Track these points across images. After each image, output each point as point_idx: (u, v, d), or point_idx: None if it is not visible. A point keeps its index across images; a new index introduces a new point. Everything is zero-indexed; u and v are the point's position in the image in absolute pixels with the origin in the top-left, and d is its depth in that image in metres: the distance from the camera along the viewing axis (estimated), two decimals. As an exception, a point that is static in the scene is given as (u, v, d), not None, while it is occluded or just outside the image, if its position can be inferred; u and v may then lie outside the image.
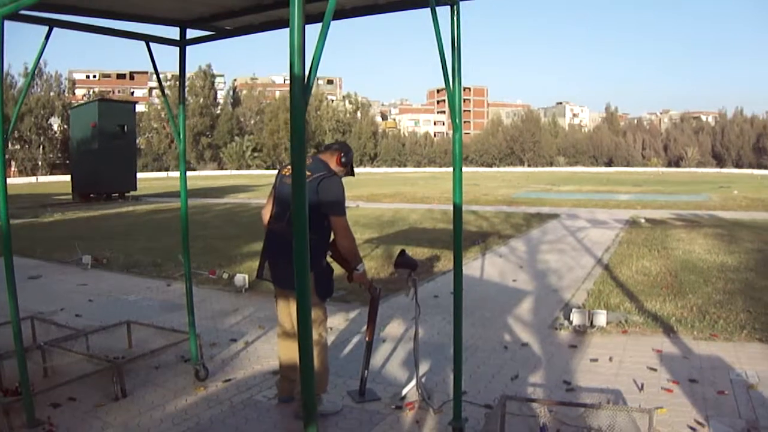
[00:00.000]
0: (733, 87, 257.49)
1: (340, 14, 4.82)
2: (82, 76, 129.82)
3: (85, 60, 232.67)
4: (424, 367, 6.27)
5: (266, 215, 5.41)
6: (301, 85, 2.57)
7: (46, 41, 4.71)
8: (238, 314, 8.70)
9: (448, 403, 5.24)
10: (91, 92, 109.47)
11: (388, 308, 8.75)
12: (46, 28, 4.77)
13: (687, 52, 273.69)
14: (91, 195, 33.92)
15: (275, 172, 5.64)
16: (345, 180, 5.26)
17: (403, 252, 5.77)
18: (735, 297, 9.27)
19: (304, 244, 2.69)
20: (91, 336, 6.66)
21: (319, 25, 2.76)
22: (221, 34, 5.86)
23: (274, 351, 6.56)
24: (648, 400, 5.49)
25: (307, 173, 4.90)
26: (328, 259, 5.28)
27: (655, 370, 6.30)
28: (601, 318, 7.79)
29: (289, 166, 5.24)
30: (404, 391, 5.71)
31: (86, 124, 33.93)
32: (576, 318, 7.79)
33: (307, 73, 2.60)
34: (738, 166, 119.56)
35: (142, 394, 5.70)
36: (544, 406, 5.01)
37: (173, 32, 5.85)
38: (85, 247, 13.86)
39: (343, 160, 5.27)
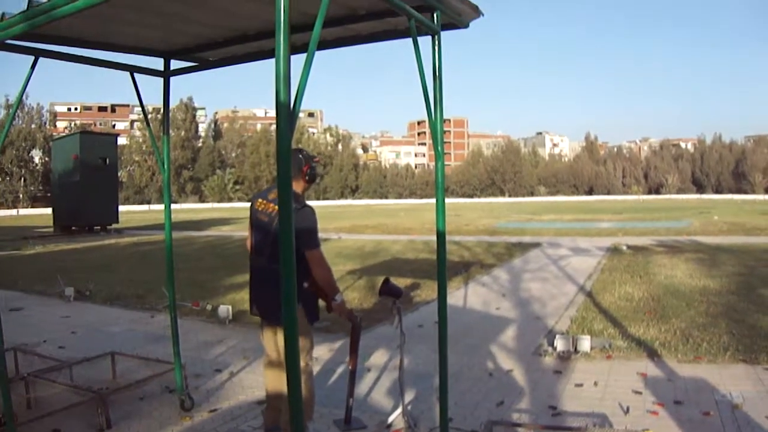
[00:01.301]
0: (712, 114, 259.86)
1: (324, 44, 4.88)
2: (64, 109, 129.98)
3: (66, 93, 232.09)
4: (409, 395, 6.27)
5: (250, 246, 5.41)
6: (287, 113, 2.61)
7: (32, 71, 4.71)
8: (223, 345, 8.68)
9: (434, 430, 5.24)
10: (72, 124, 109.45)
11: (372, 338, 8.76)
12: (32, 58, 4.79)
13: (665, 80, 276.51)
14: (73, 227, 33.81)
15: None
16: (324, 213, 5.19)
17: (387, 280, 5.77)
18: (718, 320, 9.34)
19: (291, 276, 2.71)
20: (75, 367, 6.64)
21: (303, 55, 2.81)
22: (205, 65, 5.91)
23: (259, 381, 6.55)
24: (634, 422, 5.52)
25: (276, 207, 4.90)
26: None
27: (641, 393, 6.33)
28: (585, 344, 7.82)
29: (261, 199, 5.23)
30: (390, 419, 5.70)
31: (68, 157, 33.88)
32: (560, 344, 7.83)
33: (293, 101, 2.64)
34: (718, 191, 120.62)
35: (127, 425, 5.67)
36: (530, 430, 5.03)
37: (157, 63, 5.89)
38: (67, 279, 13.75)
39: (307, 178, 5.14)
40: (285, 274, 2.71)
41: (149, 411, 6.05)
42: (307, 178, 5.12)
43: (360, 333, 5.73)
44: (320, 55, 4.79)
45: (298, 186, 5.07)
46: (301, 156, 5.09)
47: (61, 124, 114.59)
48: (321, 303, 5.30)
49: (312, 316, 5.17)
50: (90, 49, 5.20)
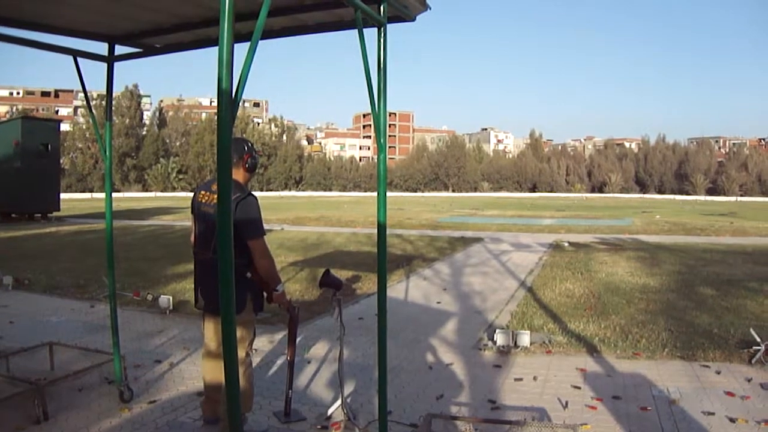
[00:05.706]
0: (656, 115, 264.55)
1: (269, 33, 4.85)
2: (5, 93, 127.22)
3: (8, 76, 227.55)
4: (349, 388, 6.29)
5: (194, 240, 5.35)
6: (228, 101, 2.58)
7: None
8: (163, 335, 8.59)
9: (373, 423, 5.25)
10: (14, 109, 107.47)
11: (313, 330, 8.76)
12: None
13: (610, 80, 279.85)
14: (13, 215, 33.10)
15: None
16: (267, 204, 5.16)
17: (327, 271, 5.76)
18: (657, 317, 9.52)
19: (229, 267, 2.70)
20: (12, 358, 6.51)
21: (248, 44, 2.78)
22: (150, 52, 5.84)
23: (199, 372, 6.48)
24: (573, 417, 5.59)
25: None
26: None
27: (579, 388, 6.42)
28: (525, 338, 7.89)
29: (204, 191, 5.18)
30: (330, 411, 5.70)
31: (8, 142, 33.13)
32: (500, 338, 7.88)
33: (234, 88, 2.62)
34: (660, 191, 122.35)
35: (65, 417, 5.57)
36: (469, 423, 5.06)
37: (102, 48, 5.80)
38: (6, 267, 13.51)
39: (248, 165, 5.13)
40: (223, 264, 2.69)
41: (88, 402, 5.96)
42: (247, 166, 5.11)
43: (297, 324, 5.72)
44: (267, 44, 4.76)
45: (238, 175, 5.05)
46: (244, 145, 5.11)
47: (2, 109, 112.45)
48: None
49: (257, 306, 5.15)
50: (32, 30, 5.10)
